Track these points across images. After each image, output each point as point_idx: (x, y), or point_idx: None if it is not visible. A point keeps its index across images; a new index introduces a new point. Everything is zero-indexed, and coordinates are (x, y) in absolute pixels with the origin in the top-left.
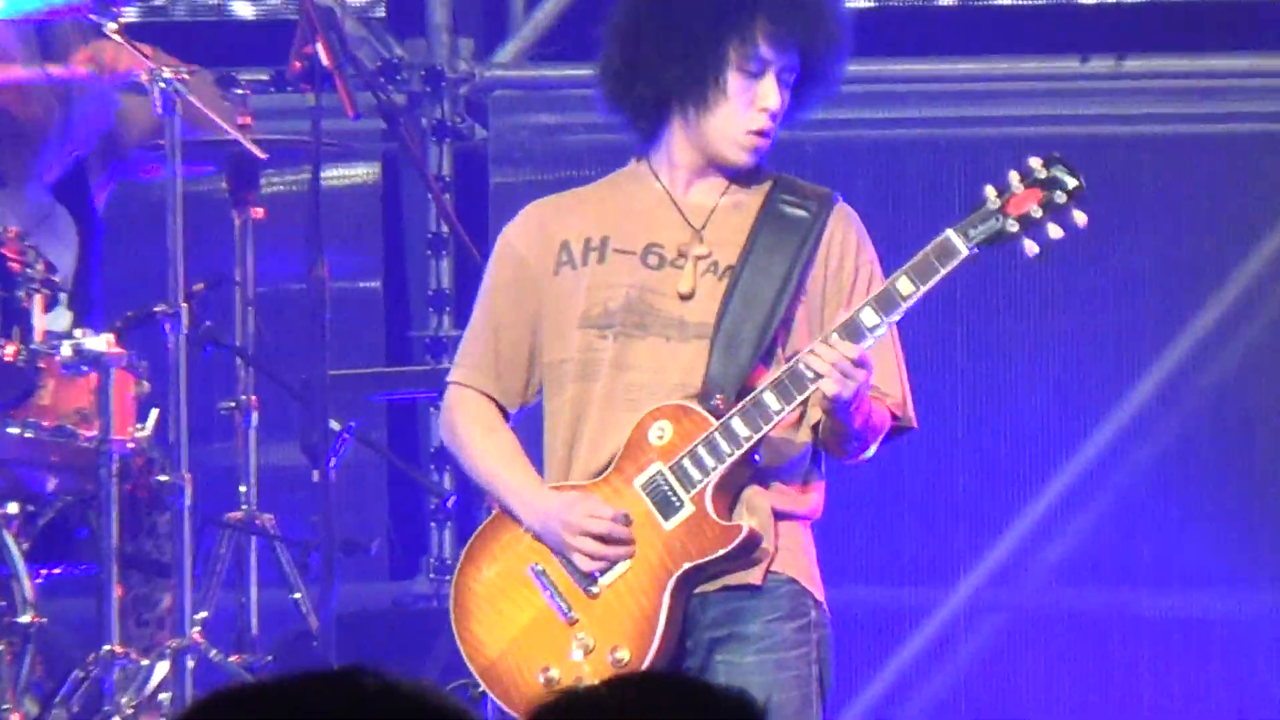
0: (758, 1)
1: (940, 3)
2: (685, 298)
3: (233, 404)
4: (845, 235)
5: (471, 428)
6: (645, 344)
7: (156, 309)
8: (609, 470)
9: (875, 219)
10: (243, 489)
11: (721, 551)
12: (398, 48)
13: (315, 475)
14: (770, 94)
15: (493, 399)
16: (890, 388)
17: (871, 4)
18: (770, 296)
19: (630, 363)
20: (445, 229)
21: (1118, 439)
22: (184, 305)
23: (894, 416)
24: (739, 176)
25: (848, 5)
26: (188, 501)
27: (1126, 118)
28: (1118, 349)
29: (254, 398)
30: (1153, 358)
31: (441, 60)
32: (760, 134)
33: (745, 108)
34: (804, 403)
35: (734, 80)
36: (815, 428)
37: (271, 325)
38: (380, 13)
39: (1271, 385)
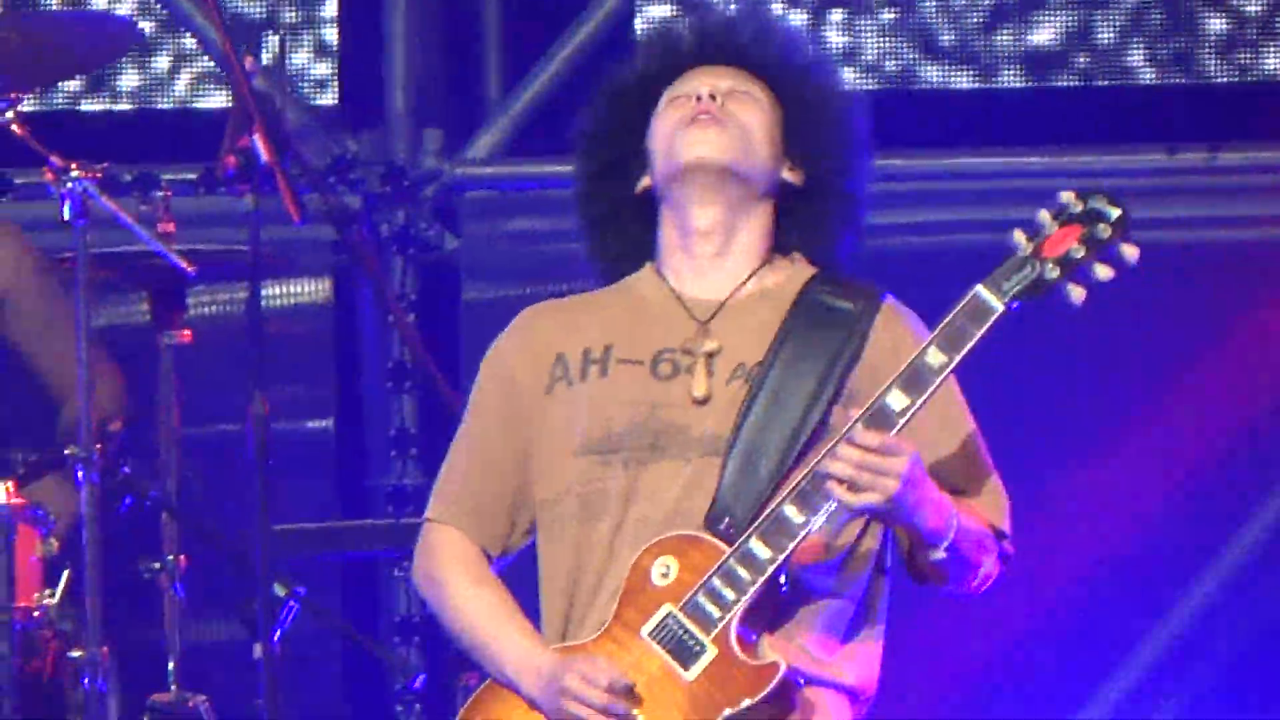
0: (678, 47)
1: (1001, 84)
2: (700, 402)
3: (157, 565)
4: (901, 333)
5: (455, 575)
6: (661, 469)
7: (65, 452)
8: (609, 621)
9: None
10: (170, 666)
11: (758, 697)
12: (351, 141)
13: (256, 650)
14: (698, 80)
15: (475, 540)
16: (976, 490)
17: (915, 88)
18: (803, 401)
19: (643, 493)
20: (409, 357)
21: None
22: (97, 448)
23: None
24: (765, 264)
25: (883, 87)
26: (105, 681)
27: (1223, 220)
28: (1225, 486)
29: (182, 558)
30: (1263, 498)
31: (403, 156)
32: (695, 119)
33: (680, 111)
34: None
35: (667, 104)
36: (874, 568)
37: (202, 472)
38: (331, 99)
39: None
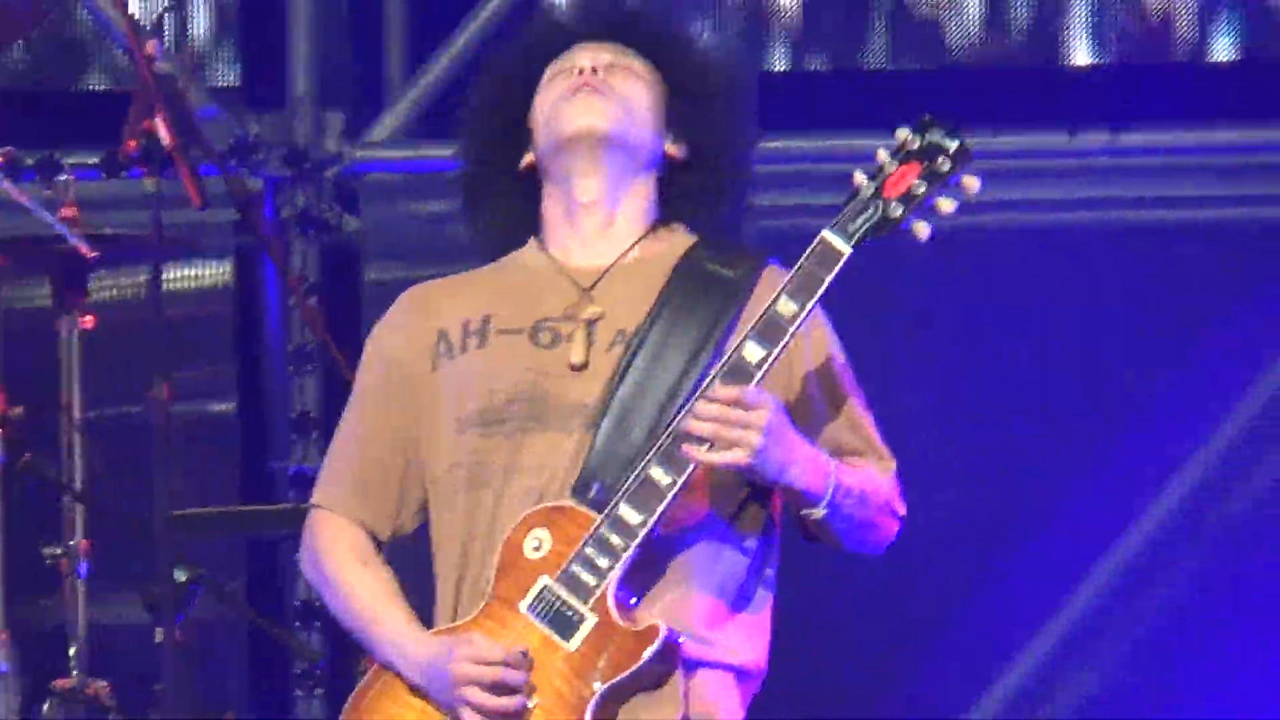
0: (565, 24)
1: (896, 67)
2: (577, 368)
3: (59, 550)
4: None
5: (337, 559)
6: (544, 440)
7: None
8: (488, 599)
9: None
10: (72, 651)
11: (641, 660)
12: (253, 123)
13: (158, 635)
14: (580, 55)
15: (363, 524)
16: (860, 448)
17: (819, 68)
18: (679, 365)
19: (524, 464)
20: (310, 339)
21: (1124, 581)
22: None
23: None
24: (648, 234)
25: (789, 68)
26: (6, 665)
27: (1124, 201)
28: (1126, 471)
29: (85, 542)
30: (1168, 479)
31: (305, 138)
32: (577, 90)
33: (564, 80)
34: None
35: (553, 75)
36: (765, 531)
37: (105, 456)
38: (233, 82)
39: None
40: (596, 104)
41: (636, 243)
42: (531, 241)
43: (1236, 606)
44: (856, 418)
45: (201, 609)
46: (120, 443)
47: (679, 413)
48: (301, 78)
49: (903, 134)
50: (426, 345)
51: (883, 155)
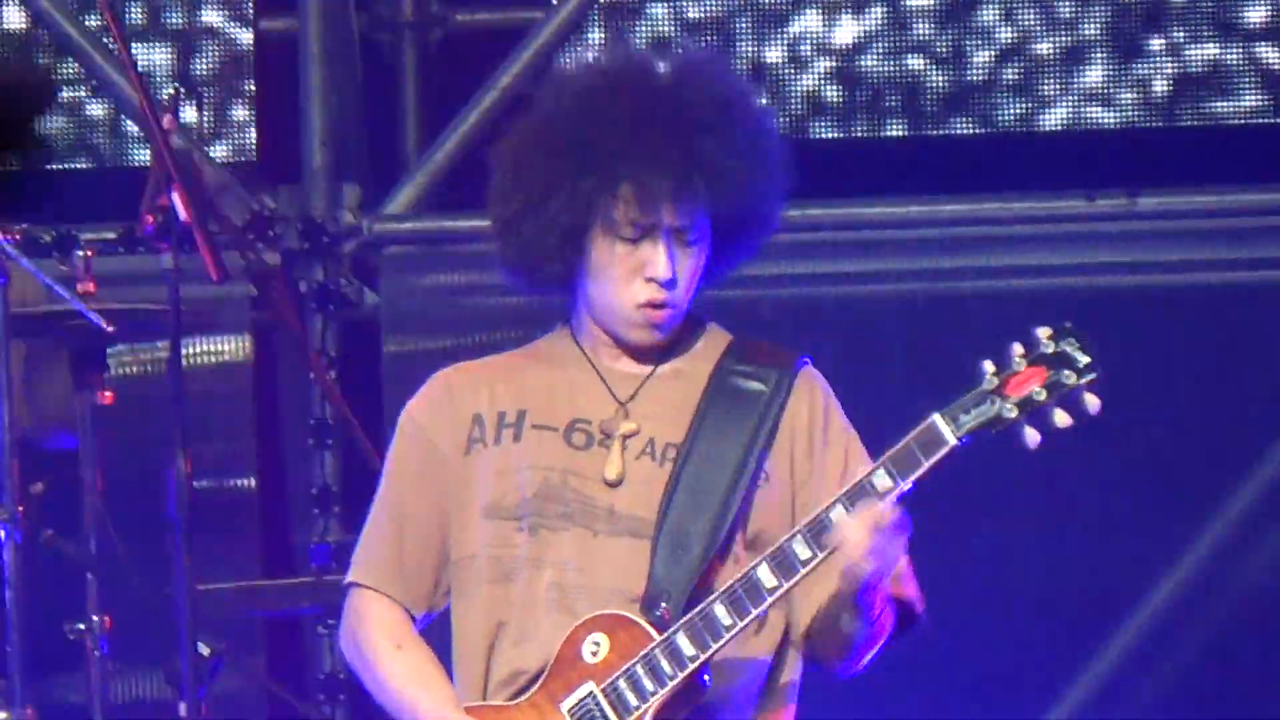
0: (619, 160)
1: (918, 134)
2: (613, 484)
3: (81, 626)
4: (812, 410)
5: (377, 642)
6: (568, 537)
7: None
8: (535, 688)
9: (842, 393)
10: None
11: None
12: (270, 198)
13: (182, 709)
14: (655, 261)
15: (398, 602)
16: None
17: (836, 136)
18: (724, 486)
19: (551, 559)
20: (330, 414)
21: (1135, 651)
22: (19, 509)
23: (896, 602)
24: (681, 338)
25: (807, 136)
26: None
27: (1140, 265)
28: (1135, 535)
29: (106, 618)
30: (1178, 547)
31: (322, 212)
32: (653, 306)
33: (630, 277)
34: (759, 617)
35: (613, 247)
36: (785, 639)
37: (126, 532)
38: (249, 157)
39: None
40: (660, 333)
41: (670, 351)
42: (564, 330)
43: None
44: None
45: (224, 683)
46: (141, 518)
47: (731, 532)
48: (318, 151)
49: (1043, 332)
50: (461, 429)
51: (1017, 349)
